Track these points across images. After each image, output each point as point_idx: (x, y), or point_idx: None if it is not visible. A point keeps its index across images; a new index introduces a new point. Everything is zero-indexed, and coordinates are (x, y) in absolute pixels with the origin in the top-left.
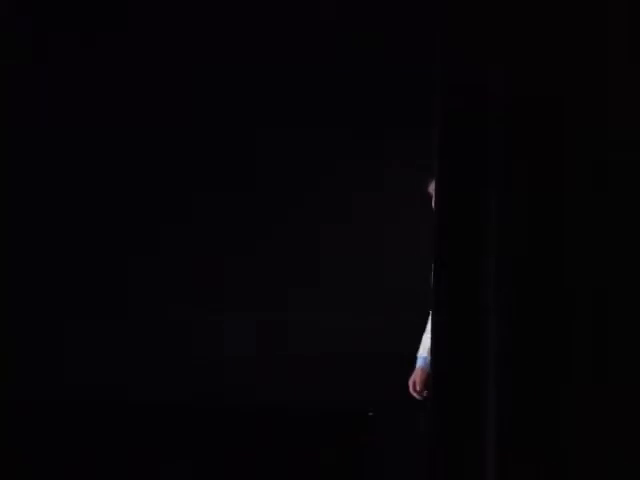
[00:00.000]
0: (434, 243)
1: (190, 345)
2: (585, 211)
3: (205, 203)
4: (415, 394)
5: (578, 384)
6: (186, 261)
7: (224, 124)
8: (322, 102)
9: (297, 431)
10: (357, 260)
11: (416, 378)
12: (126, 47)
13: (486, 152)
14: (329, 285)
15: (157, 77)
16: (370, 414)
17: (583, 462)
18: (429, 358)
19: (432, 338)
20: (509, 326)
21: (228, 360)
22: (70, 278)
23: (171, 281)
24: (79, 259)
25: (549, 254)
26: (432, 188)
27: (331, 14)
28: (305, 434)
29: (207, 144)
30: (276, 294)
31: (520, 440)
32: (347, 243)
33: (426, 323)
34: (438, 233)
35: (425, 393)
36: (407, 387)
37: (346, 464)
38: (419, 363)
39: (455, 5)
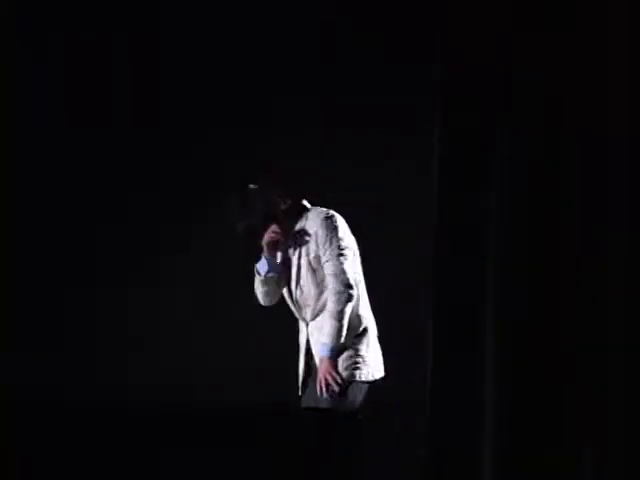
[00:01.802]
0: (434, 244)
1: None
2: (583, 210)
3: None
4: (336, 386)
5: (579, 385)
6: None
7: (224, 124)
8: (322, 102)
9: (292, 432)
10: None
11: (329, 370)
12: (126, 47)
13: (486, 152)
14: None
15: (156, 77)
16: (359, 417)
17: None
18: (330, 344)
19: (432, 340)
20: (509, 328)
21: (225, 357)
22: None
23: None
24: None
25: (547, 255)
26: (265, 241)
27: (331, 14)
28: (299, 435)
29: (205, 142)
30: None
31: (519, 441)
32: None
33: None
34: (439, 234)
35: (339, 379)
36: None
37: (340, 466)
38: (323, 352)
39: (455, 5)
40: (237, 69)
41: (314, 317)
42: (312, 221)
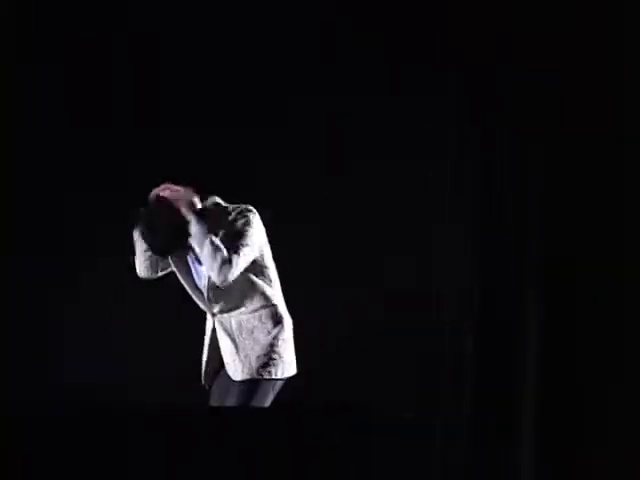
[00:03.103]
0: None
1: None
2: (582, 210)
3: None
4: None
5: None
6: None
7: (226, 124)
8: (324, 103)
9: (300, 429)
10: (363, 256)
11: None
12: (126, 47)
13: (493, 151)
14: (334, 278)
15: (156, 78)
16: (408, 415)
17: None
18: None
19: (473, 335)
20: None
21: None
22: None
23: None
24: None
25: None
26: None
27: (331, 14)
28: (308, 432)
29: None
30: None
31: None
32: (358, 242)
33: None
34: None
35: None
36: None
37: (350, 465)
38: None
39: (455, 5)
40: (237, 69)
41: (221, 312)
42: (231, 217)
